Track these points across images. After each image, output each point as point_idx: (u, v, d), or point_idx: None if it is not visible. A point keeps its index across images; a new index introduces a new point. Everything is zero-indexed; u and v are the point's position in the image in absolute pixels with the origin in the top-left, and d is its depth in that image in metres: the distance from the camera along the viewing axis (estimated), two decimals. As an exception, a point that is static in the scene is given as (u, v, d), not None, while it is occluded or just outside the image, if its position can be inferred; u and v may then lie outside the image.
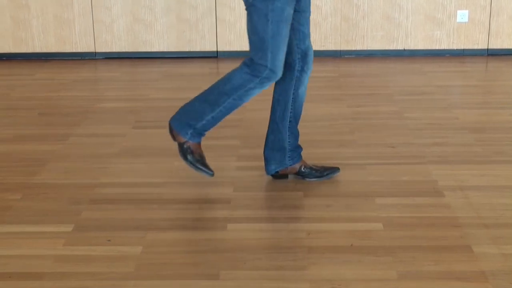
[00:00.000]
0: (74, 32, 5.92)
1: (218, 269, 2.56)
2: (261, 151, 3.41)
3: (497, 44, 5.90)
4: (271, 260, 2.62)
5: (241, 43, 5.92)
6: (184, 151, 3.21)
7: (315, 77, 5.41)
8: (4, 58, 5.98)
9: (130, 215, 3.03)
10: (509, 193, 3.21)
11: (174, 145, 3.79)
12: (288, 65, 3.17)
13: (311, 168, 3.35)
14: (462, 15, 5.83)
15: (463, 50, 5.92)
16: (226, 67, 5.79)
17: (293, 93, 3.23)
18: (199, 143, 3.23)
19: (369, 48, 5.93)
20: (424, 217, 2.97)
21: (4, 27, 5.90)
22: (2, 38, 5.93)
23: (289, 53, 3.14)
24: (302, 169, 3.34)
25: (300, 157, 3.34)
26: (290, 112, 3.26)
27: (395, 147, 3.81)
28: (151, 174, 3.46)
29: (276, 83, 3.24)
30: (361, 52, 5.96)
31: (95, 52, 5.97)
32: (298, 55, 3.16)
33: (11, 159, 3.72)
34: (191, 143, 3.20)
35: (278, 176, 3.35)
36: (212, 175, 3.22)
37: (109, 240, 2.79)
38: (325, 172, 3.36)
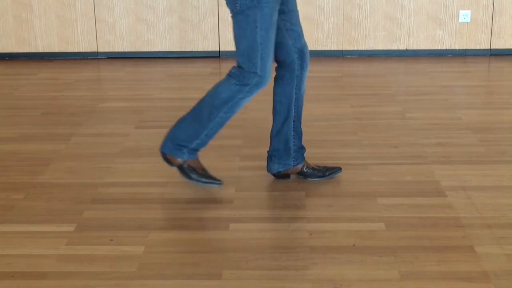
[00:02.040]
0: (76, 32, 5.92)
1: (221, 269, 2.56)
2: (264, 151, 3.41)
3: (499, 44, 5.90)
4: (274, 260, 2.62)
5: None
6: (186, 172, 3.19)
7: (318, 77, 5.42)
8: (7, 58, 5.99)
9: (133, 215, 3.04)
10: None
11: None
12: (288, 66, 3.18)
13: (313, 168, 3.35)
14: (465, 15, 5.83)
15: (466, 50, 5.92)
16: (229, 67, 5.78)
17: (296, 93, 3.23)
18: (197, 158, 3.22)
19: (371, 48, 5.93)
20: (427, 217, 2.97)
21: (7, 27, 5.91)
22: (5, 38, 5.94)
23: (286, 54, 3.15)
24: (304, 169, 3.34)
25: (303, 157, 3.34)
26: (294, 112, 3.26)
27: (398, 147, 3.81)
28: (154, 174, 3.46)
29: (277, 85, 3.24)
30: (363, 52, 5.96)
31: (98, 52, 5.97)
32: (296, 54, 3.17)
33: (14, 159, 3.73)
34: (190, 161, 3.19)
35: (280, 175, 3.35)
36: (221, 184, 3.21)
37: (111, 240, 2.80)
38: (327, 172, 3.36)
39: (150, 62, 5.85)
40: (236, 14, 2.99)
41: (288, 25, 3.12)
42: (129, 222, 2.97)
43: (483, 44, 5.90)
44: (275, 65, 3.20)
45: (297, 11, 3.17)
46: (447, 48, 5.92)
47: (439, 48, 5.92)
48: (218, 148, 3.77)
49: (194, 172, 3.19)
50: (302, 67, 3.20)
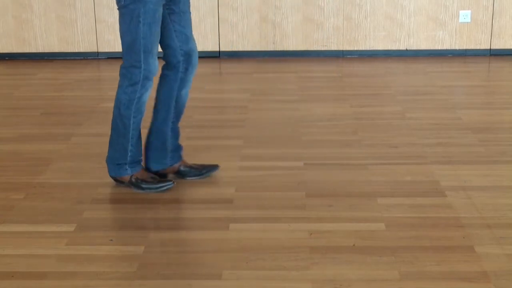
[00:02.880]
0: (76, 32, 5.92)
1: (221, 269, 2.56)
2: (264, 151, 3.41)
3: (499, 44, 5.90)
4: (274, 260, 2.62)
5: (244, 43, 5.92)
6: (136, 185, 3.23)
7: (318, 77, 5.42)
8: (7, 58, 5.99)
9: (132, 215, 3.04)
10: None
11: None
12: (172, 67, 3.22)
13: (190, 167, 3.37)
14: (465, 15, 5.83)
15: (466, 50, 5.92)
16: (228, 67, 5.82)
17: (177, 94, 3.27)
18: (142, 168, 3.27)
19: (371, 48, 5.93)
20: (427, 217, 2.97)
21: (7, 27, 5.91)
22: (5, 38, 5.94)
23: (173, 55, 3.19)
24: (181, 168, 3.36)
25: (180, 157, 3.37)
26: (173, 113, 3.29)
27: (398, 147, 3.81)
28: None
29: (160, 84, 3.28)
30: (363, 52, 5.96)
31: (98, 52, 5.97)
32: (181, 57, 3.20)
33: (14, 159, 3.73)
34: (136, 174, 3.24)
35: (158, 175, 3.35)
36: (173, 183, 3.24)
37: (111, 240, 2.80)
38: (204, 170, 3.38)
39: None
40: (121, 9, 3.07)
41: (177, 27, 3.17)
42: (129, 222, 2.97)
43: (483, 44, 5.90)
44: (163, 63, 3.25)
45: (189, 13, 3.22)
46: (447, 48, 5.92)
47: (439, 48, 5.92)
48: (218, 148, 3.78)
49: (143, 182, 3.23)
50: (187, 70, 3.24)
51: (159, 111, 3.29)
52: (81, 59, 5.98)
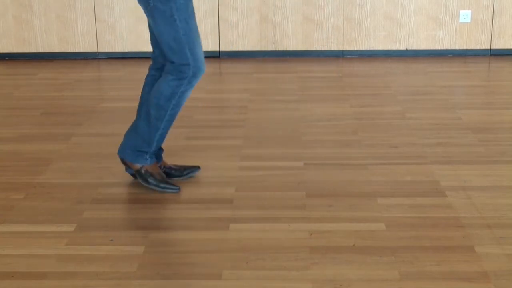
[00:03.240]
0: (76, 32, 5.92)
1: (221, 269, 2.56)
2: (264, 151, 3.41)
3: (499, 44, 5.90)
4: (274, 260, 2.62)
5: (244, 43, 5.92)
6: (143, 176, 3.21)
7: (318, 77, 5.42)
8: (7, 58, 5.99)
9: (133, 215, 3.04)
10: None
11: (176, 145, 3.80)
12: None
13: (170, 168, 3.36)
14: (465, 15, 5.83)
15: (466, 50, 5.92)
16: (229, 67, 5.81)
17: None
18: (156, 163, 3.25)
19: (371, 48, 5.93)
20: (427, 217, 2.97)
21: (7, 27, 5.91)
22: (5, 38, 5.94)
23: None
24: (161, 169, 3.33)
25: (161, 158, 3.35)
26: None
27: (398, 147, 3.81)
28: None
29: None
30: (363, 52, 5.96)
31: (98, 52, 5.97)
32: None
33: (14, 159, 3.73)
34: (148, 166, 3.21)
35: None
36: (179, 190, 3.22)
37: (111, 240, 2.80)
38: (185, 171, 3.36)
39: (150, 62, 5.84)
40: (151, 11, 3.02)
41: None
42: (129, 222, 2.97)
43: (483, 44, 5.90)
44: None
45: None
46: (447, 48, 5.92)
47: (439, 48, 5.92)
48: (218, 148, 3.78)
49: (152, 177, 3.21)
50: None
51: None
52: (81, 59, 5.98)
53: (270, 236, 2.84)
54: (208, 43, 5.92)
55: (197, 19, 6.11)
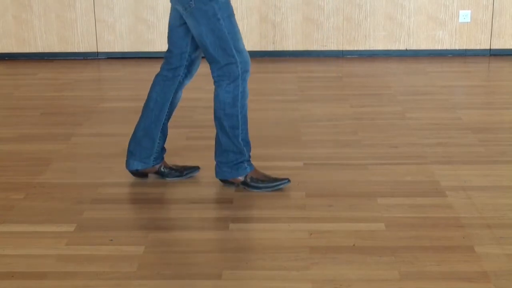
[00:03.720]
0: (76, 32, 5.92)
1: (221, 269, 2.56)
2: (262, 151, 3.41)
3: (499, 44, 5.90)
4: (273, 260, 2.62)
5: (244, 43, 5.91)
6: (252, 185, 3.21)
7: (318, 77, 5.42)
8: (7, 58, 5.99)
9: (133, 215, 3.04)
10: None
11: (177, 145, 3.80)
12: (174, 68, 3.19)
13: (170, 168, 3.36)
14: (465, 15, 5.83)
15: (466, 50, 5.92)
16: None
17: (172, 96, 3.24)
18: (255, 168, 3.24)
19: (371, 48, 5.93)
20: (427, 218, 2.97)
21: (7, 27, 5.91)
22: (5, 38, 5.94)
23: (178, 57, 3.17)
24: (162, 169, 3.34)
25: (162, 158, 3.35)
26: (166, 114, 3.27)
27: (398, 147, 3.81)
28: (154, 174, 3.46)
29: (157, 83, 3.25)
30: (363, 52, 5.95)
31: (98, 52, 5.97)
32: (186, 62, 3.18)
33: (14, 159, 3.73)
34: (251, 173, 3.21)
35: (137, 173, 3.35)
36: (289, 181, 3.23)
37: (111, 240, 2.80)
38: (185, 171, 3.36)
39: (150, 62, 5.84)
40: (192, 12, 2.99)
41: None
42: (129, 222, 2.97)
43: (483, 44, 5.90)
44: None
45: None
46: (447, 48, 5.92)
47: (439, 48, 5.92)
48: (218, 148, 3.77)
49: (259, 181, 3.21)
50: (187, 76, 3.23)
51: (152, 110, 3.26)
52: (81, 59, 5.98)
53: (270, 236, 2.84)
54: (208, 43, 5.92)
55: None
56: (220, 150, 3.20)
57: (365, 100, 4.72)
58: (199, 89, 4.69)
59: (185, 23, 3.09)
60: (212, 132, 4.13)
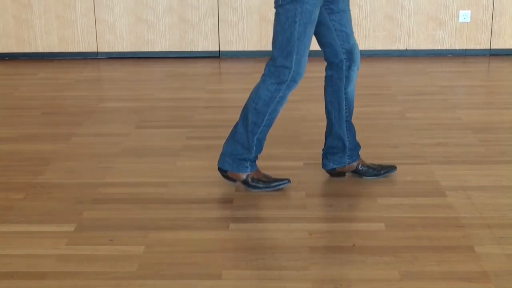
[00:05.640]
0: (76, 32, 5.92)
1: (220, 269, 2.56)
2: (264, 151, 3.40)
3: (499, 44, 5.90)
4: (273, 260, 2.62)
5: (243, 43, 5.92)
6: (252, 185, 3.22)
7: (318, 77, 5.40)
8: (7, 58, 5.99)
9: (133, 215, 3.04)
10: None
11: (177, 145, 3.80)
12: (336, 66, 3.22)
13: (368, 166, 3.36)
14: (465, 15, 5.83)
15: (466, 50, 5.92)
16: (228, 67, 5.81)
17: (345, 92, 3.27)
18: (257, 169, 3.25)
19: (371, 48, 5.93)
20: (427, 217, 2.97)
21: (7, 27, 5.91)
22: (5, 38, 5.94)
23: (334, 55, 3.19)
24: (359, 167, 3.35)
25: (358, 156, 3.36)
26: (346, 111, 3.29)
27: (398, 147, 3.81)
28: (154, 174, 3.46)
29: (326, 86, 3.31)
30: (363, 52, 5.93)
31: (98, 52, 5.97)
32: (344, 55, 3.19)
33: (14, 159, 3.73)
34: (252, 173, 3.22)
35: (335, 173, 3.37)
36: (289, 181, 3.24)
37: (111, 240, 2.80)
38: (382, 170, 3.37)
39: (150, 62, 5.84)
40: (278, 7, 3.03)
41: (337, 26, 3.13)
42: (129, 222, 2.97)
43: (483, 44, 5.90)
44: (325, 64, 3.24)
45: (348, 11, 3.17)
46: (447, 48, 5.92)
47: (439, 48, 5.92)
48: (218, 148, 3.77)
49: (260, 181, 3.22)
50: (350, 68, 3.22)
51: (331, 113, 3.30)
52: (81, 59, 5.98)
53: (270, 236, 2.84)
54: (208, 43, 5.92)
55: (197, 18, 6.13)
56: (232, 139, 3.21)
57: (365, 100, 4.71)
58: (199, 89, 4.69)
59: (323, 22, 3.10)
60: (212, 132, 4.14)
